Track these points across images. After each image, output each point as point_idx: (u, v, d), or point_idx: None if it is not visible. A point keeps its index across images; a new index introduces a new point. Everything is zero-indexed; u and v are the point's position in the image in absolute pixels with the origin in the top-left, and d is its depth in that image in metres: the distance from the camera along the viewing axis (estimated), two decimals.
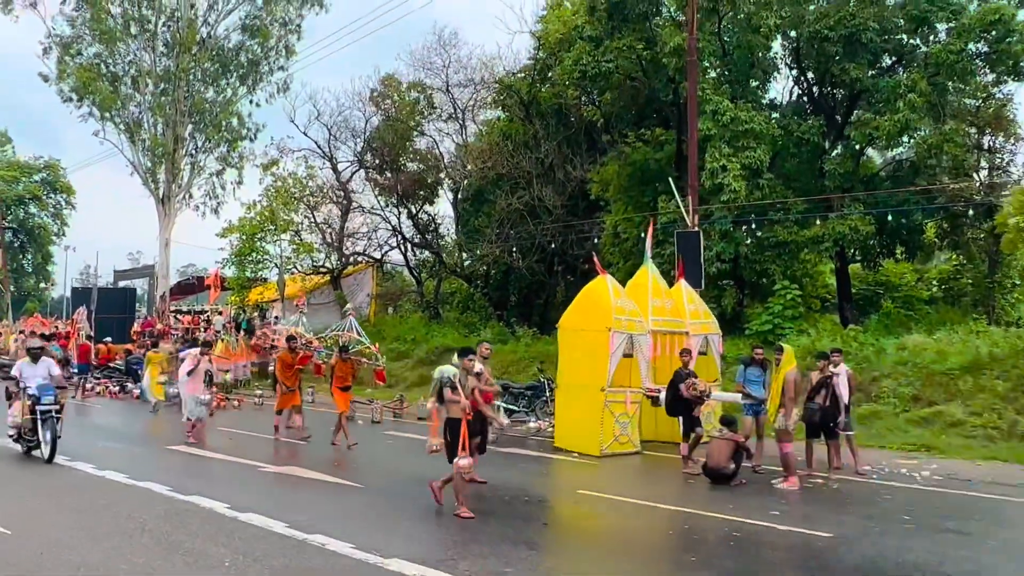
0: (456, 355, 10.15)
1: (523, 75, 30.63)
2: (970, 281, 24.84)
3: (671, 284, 16.93)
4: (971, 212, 22.78)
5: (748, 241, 22.64)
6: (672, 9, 25.23)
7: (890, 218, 22.70)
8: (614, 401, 14.55)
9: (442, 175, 34.64)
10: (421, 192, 34.91)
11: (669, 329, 15.76)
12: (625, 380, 14.97)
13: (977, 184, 21.91)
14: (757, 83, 24.76)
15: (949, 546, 8.49)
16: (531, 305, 31.92)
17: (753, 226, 21.94)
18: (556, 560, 8.03)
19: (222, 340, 27.61)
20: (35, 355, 13.09)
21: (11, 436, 13.29)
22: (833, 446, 12.79)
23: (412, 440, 16.19)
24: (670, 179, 20.99)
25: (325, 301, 35.43)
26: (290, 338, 17.79)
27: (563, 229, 27.97)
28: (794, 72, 24.92)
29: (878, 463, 13.62)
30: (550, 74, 28.74)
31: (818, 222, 22.31)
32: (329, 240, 35.98)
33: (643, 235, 23.94)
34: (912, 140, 20.94)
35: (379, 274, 38.66)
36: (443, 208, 37.58)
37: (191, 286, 45.64)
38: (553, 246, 28.15)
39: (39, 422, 12.41)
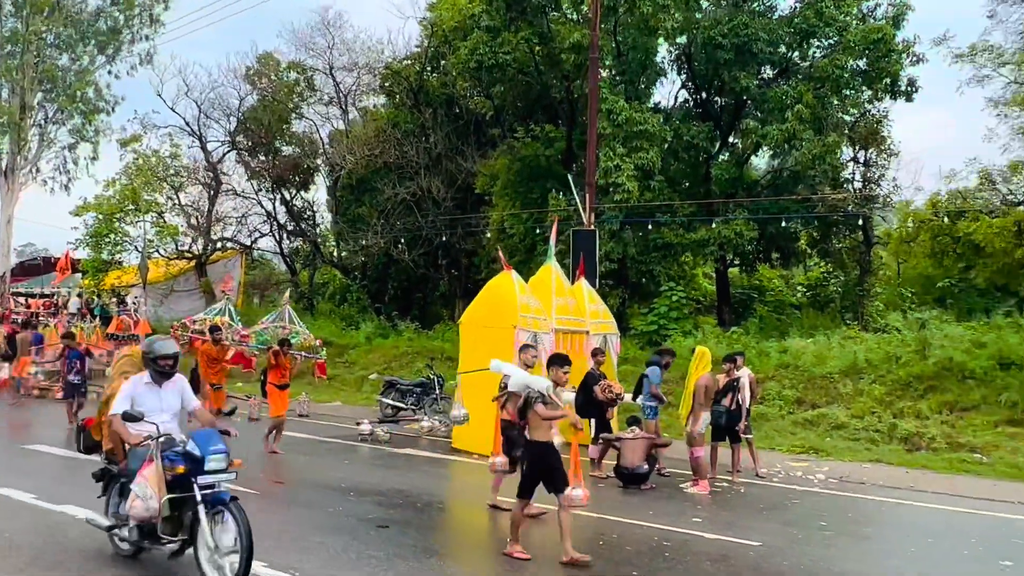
0: (546, 364, 8.66)
1: (411, 62, 29.76)
2: (838, 288, 25.91)
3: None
4: (845, 222, 23.76)
5: (636, 242, 22.76)
6: (567, 5, 25.07)
7: (770, 225, 23.33)
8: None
9: (319, 161, 33.29)
10: (296, 177, 33.48)
11: (571, 328, 15.42)
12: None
13: (851, 196, 22.77)
14: (645, 85, 24.92)
15: (876, 555, 8.47)
16: (411, 299, 31.15)
17: (647, 227, 22.01)
18: None
19: (76, 327, 25.40)
20: (163, 369, 7.06)
21: (124, 538, 7.08)
22: (736, 449, 12.78)
23: (297, 440, 15.29)
24: (568, 176, 20.72)
25: (190, 288, 33.40)
26: (214, 329, 15.90)
27: (450, 222, 27.32)
28: (683, 76, 25.23)
29: (772, 465, 13.74)
30: (441, 63, 28.03)
31: (704, 226, 22.64)
32: (196, 224, 33.92)
33: (539, 231, 23.85)
34: (796, 150, 21.49)
35: (247, 261, 36.86)
36: (319, 195, 36.24)
37: (35, 267, 42.04)
38: (443, 239, 27.42)
39: (201, 510, 6.41)
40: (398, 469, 12.46)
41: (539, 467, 7.74)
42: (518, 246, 25.11)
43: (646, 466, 11.60)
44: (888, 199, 23.73)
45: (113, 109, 37.71)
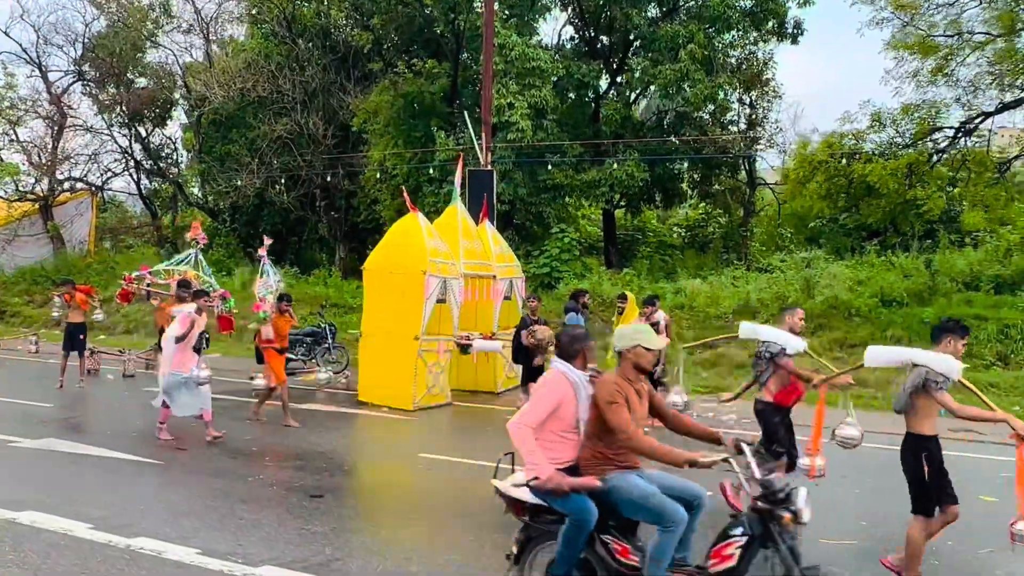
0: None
1: None
2: (718, 228, 26.42)
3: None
4: (727, 163, 24.08)
5: (526, 183, 22.26)
6: None
7: (658, 167, 23.34)
8: (428, 350, 13.40)
9: (178, 95, 30.75)
10: (153, 112, 30.85)
11: (478, 273, 14.82)
12: (436, 328, 13.86)
13: (738, 137, 23.05)
14: (532, 21, 24.19)
15: (829, 499, 8.42)
16: (286, 243, 29.52)
17: (537, 168, 21.51)
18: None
19: None
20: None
21: None
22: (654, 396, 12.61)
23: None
24: (465, 113, 19.81)
25: (35, 233, 30.41)
26: (182, 284, 13.08)
27: (329, 162, 25.87)
28: (569, 12, 24.61)
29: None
30: None
31: (594, 168, 22.37)
32: (38, 162, 30.74)
33: (424, 172, 22.89)
34: (687, 91, 21.42)
35: (99, 203, 33.96)
36: (178, 132, 33.60)
37: None
38: (326, 180, 25.97)
39: None
40: (308, 428, 11.56)
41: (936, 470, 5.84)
42: (402, 186, 24.11)
43: None
44: (772, 140, 24.20)
45: None
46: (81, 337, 15.16)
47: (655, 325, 12.35)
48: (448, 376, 14.07)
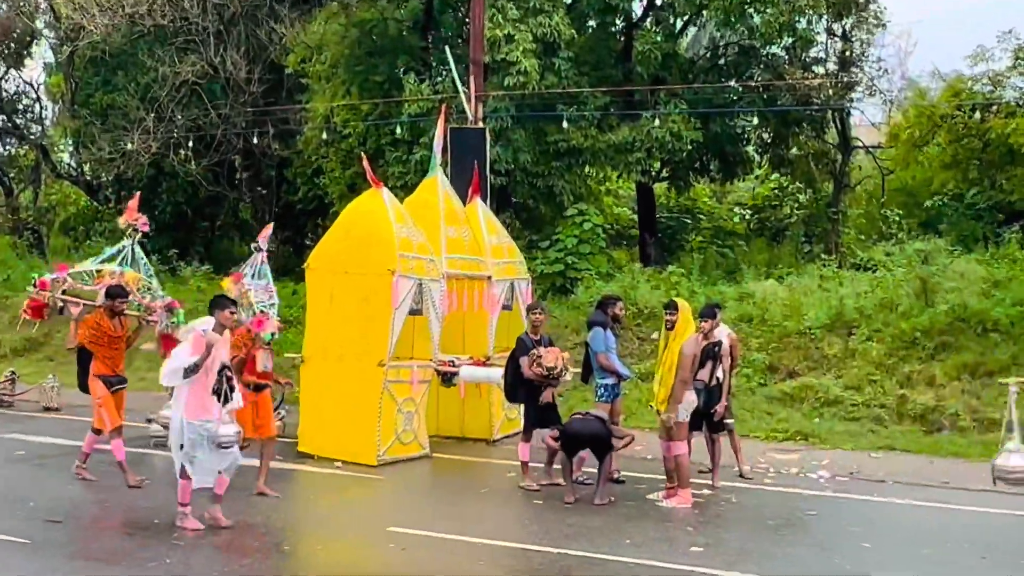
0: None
1: None
2: (799, 210, 26.46)
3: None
4: (810, 120, 24.13)
5: (530, 146, 22.26)
6: None
7: (714, 123, 23.36)
8: (396, 381, 13.39)
9: (41, 24, 30.74)
10: (7, 48, 30.87)
11: (467, 272, 14.80)
12: (407, 350, 13.85)
13: (828, 81, 23.08)
14: None
15: None
16: (193, 230, 29.56)
17: (548, 125, 21.55)
18: None
19: None
20: None
21: None
22: (716, 441, 12.63)
23: (54, 449, 14.21)
24: (446, 48, 19.81)
25: None
26: (114, 291, 12.02)
27: (255, 117, 25.84)
28: None
29: (753, 459, 13.79)
30: None
31: (625, 124, 22.37)
32: None
33: (388, 130, 22.86)
34: (753, 16, 21.47)
35: None
36: (40, 76, 33.60)
37: None
38: (249, 142, 25.94)
39: None
40: (232, 490, 11.41)
41: None
42: (355, 151, 24.11)
43: None
44: (873, 86, 24.20)
45: None
46: None
47: (716, 346, 12.37)
48: (425, 418, 14.01)
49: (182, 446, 9.69)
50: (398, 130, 22.61)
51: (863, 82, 24.24)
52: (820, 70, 24.46)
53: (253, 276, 13.09)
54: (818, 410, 16.32)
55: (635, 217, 27.96)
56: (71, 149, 31.62)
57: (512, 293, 15.79)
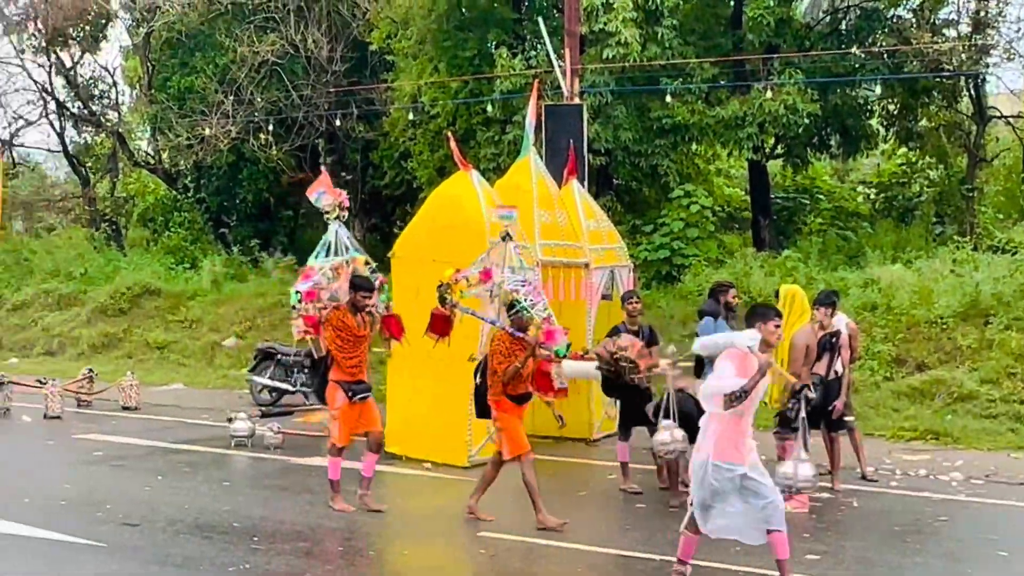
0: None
1: None
2: (929, 188, 25.91)
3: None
4: (940, 89, 23.62)
5: (631, 124, 22.19)
6: None
7: (833, 94, 23.00)
8: None
9: (117, 5, 31.55)
10: (82, 31, 31.71)
11: (564, 259, 14.80)
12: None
13: (960, 45, 22.55)
14: None
15: None
16: (272, 218, 30.08)
17: (650, 100, 21.44)
18: None
19: None
20: None
21: None
22: (835, 440, 12.47)
23: (134, 449, 14.60)
24: (540, 20, 19.81)
25: None
26: (358, 281, 11.42)
27: (338, 98, 26.17)
28: None
29: (878, 460, 13.60)
30: None
31: (736, 97, 22.17)
32: None
33: (479, 108, 22.96)
34: None
35: (6, 166, 35.12)
36: (116, 60, 34.54)
37: None
38: (333, 125, 26.32)
39: None
40: (314, 494, 11.73)
41: None
42: (445, 132, 24.31)
43: None
44: (1012, 49, 23.56)
45: None
46: None
47: (834, 336, 12.18)
48: None
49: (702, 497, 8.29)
50: (489, 108, 22.71)
51: (1000, 45, 23.60)
52: (952, 33, 23.87)
53: (512, 271, 11.62)
54: (950, 406, 15.98)
55: (747, 198, 27.67)
56: (148, 136, 32.37)
57: (612, 281, 15.77)
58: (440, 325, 11.86)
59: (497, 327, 10.82)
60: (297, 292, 11.43)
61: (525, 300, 10.65)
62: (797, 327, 11.18)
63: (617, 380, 11.94)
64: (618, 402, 12.46)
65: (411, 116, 24.69)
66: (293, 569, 8.75)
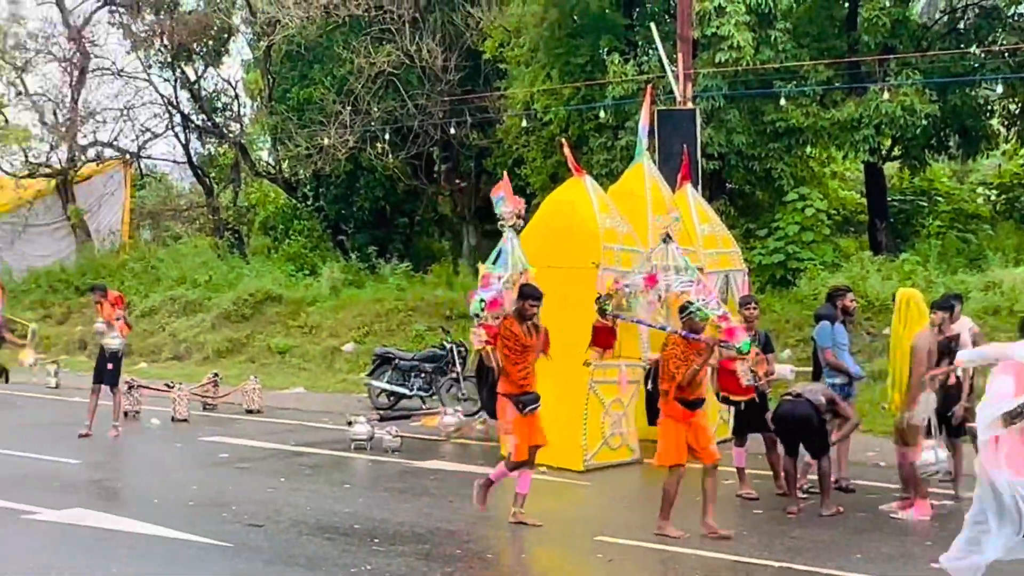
0: None
1: None
2: None
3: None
4: None
5: (744, 127, 21.95)
6: None
7: (952, 94, 22.42)
8: (603, 382, 13.39)
9: (238, 20, 32.17)
10: (205, 46, 32.39)
11: None
12: (616, 347, 13.79)
13: None
14: None
15: None
16: (389, 226, 30.35)
17: (763, 103, 21.19)
18: None
19: None
20: None
21: None
22: (958, 447, 12.12)
23: (257, 451, 14.88)
24: (652, 25, 19.71)
25: (52, 221, 32.62)
26: (526, 293, 10.84)
27: (451, 107, 26.33)
28: None
29: None
30: None
31: (851, 99, 21.77)
32: (53, 122, 32.93)
33: (591, 114, 22.91)
34: None
35: (135, 176, 36.06)
36: (238, 73, 35.24)
37: None
38: (447, 133, 26.51)
39: None
40: (432, 496, 11.83)
41: None
42: (558, 138, 24.33)
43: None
44: None
45: None
46: (110, 367, 15.90)
47: (952, 341, 11.86)
48: (631, 420, 13.97)
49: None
50: (602, 114, 22.67)
51: None
52: None
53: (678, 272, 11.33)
54: None
55: (863, 201, 27.15)
56: (269, 146, 32.94)
57: (727, 285, 15.58)
58: (603, 337, 11.82)
59: (668, 331, 10.47)
60: (481, 300, 10.96)
61: (697, 300, 10.26)
62: (915, 330, 10.91)
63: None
64: (733, 408, 12.30)
65: (524, 123, 24.76)
66: (413, 571, 8.79)
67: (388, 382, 18.45)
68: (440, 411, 16.51)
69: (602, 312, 11.49)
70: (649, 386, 10.96)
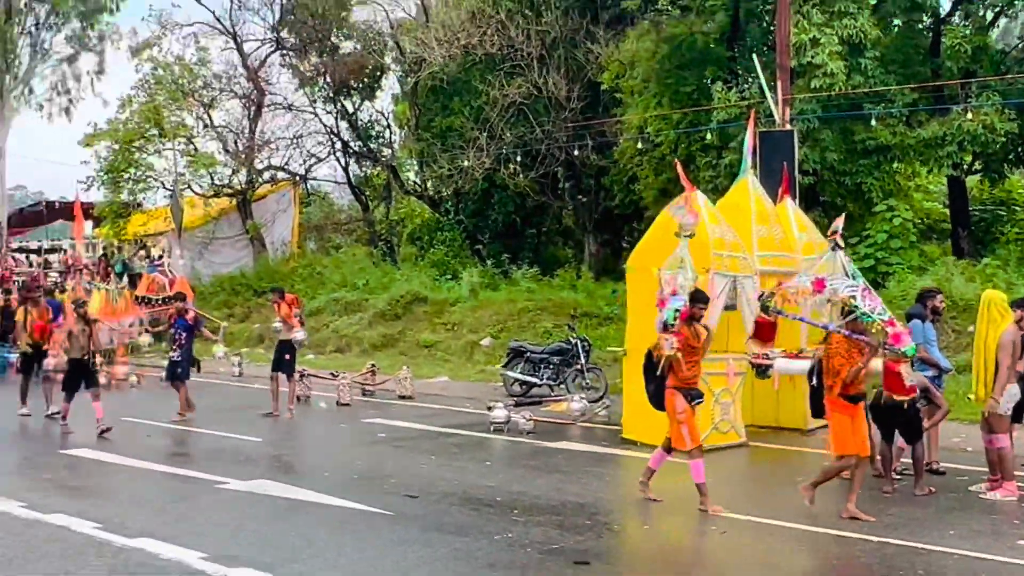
0: None
1: None
2: None
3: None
4: None
5: (837, 146, 21.38)
6: None
7: None
8: (713, 373, 13.10)
9: (389, 59, 32.60)
10: (361, 82, 32.88)
11: (778, 268, 14.31)
12: (722, 343, 13.58)
13: None
14: None
15: None
16: (519, 236, 30.37)
17: (853, 124, 20.61)
18: None
19: (99, 290, 25.59)
20: None
21: None
22: None
23: (411, 432, 14.99)
24: (753, 56, 19.34)
25: (233, 234, 33.44)
26: (696, 297, 10.60)
27: (575, 131, 26.26)
28: None
29: None
30: None
31: (935, 119, 21.06)
32: (234, 150, 33.76)
33: (697, 137, 22.61)
34: None
35: (302, 195, 36.74)
36: (386, 104, 35.66)
37: (37, 215, 42.91)
38: (571, 154, 26.46)
39: None
40: (563, 473, 11.77)
41: None
42: (667, 159, 24.07)
43: None
44: None
45: (117, 7, 37.91)
46: (287, 357, 16.38)
47: None
48: (738, 408, 13.71)
49: None
50: (707, 136, 22.33)
51: None
52: None
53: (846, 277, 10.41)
54: None
55: (946, 211, 26.27)
56: (416, 168, 33.22)
57: None
58: (765, 332, 11.63)
59: (831, 329, 9.94)
60: (676, 310, 10.39)
61: (863, 304, 9.71)
62: (1002, 327, 10.48)
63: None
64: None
65: (638, 145, 24.55)
66: (549, 539, 8.74)
67: (521, 372, 18.42)
68: (567, 398, 16.44)
69: (764, 309, 11.20)
70: (814, 382, 10.51)
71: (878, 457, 11.41)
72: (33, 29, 38.27)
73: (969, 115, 20.33)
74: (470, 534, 8.89)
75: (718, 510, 9.71)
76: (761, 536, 9.11)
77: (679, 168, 14.54)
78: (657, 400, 10.46)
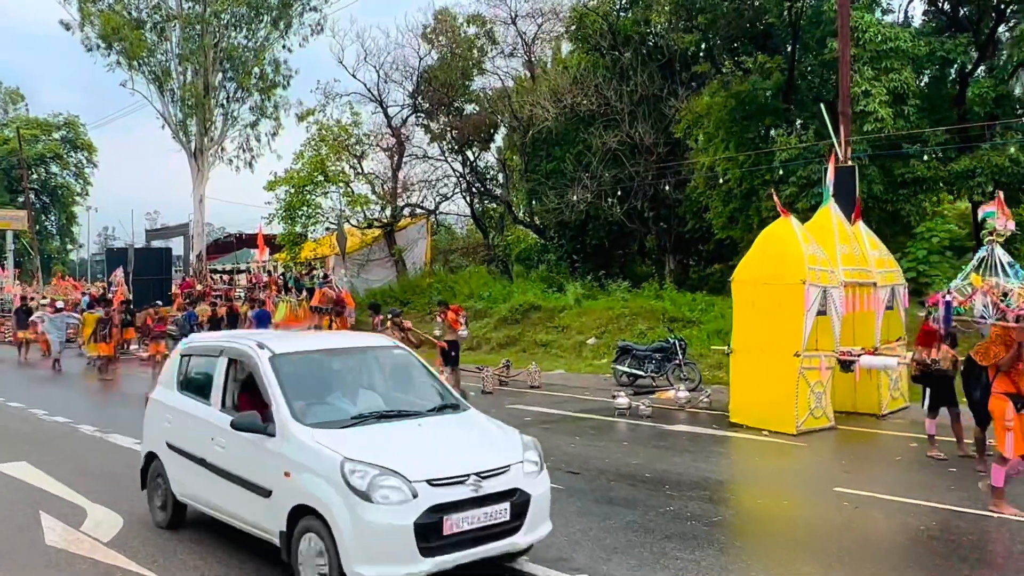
0: None
1: (598, 2, 27.84)
2: None
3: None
4: None
5: (881, 178, 20.25)
6: None
7: None
8: (809, 368, 12.24)
9: (501, 118, 32.14)
10: (480, 136, 32.49)
11: (858, 280, 13.41)
12: (813, 343, 12.66)
13: None
14: None
15: None
16: (610, 256, 29.58)
17: (894, 161, 19.47)
18: None
19: (284, 302, 25.50)
20: None
21: None
22: None
23: (550, 416, 14.24)
24: (822, 105, 18.30)
25: (382, 257, 33.28)
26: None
27: (657, 171, 25.45)
28: None
29: None
30: None
31: (964, 155, 19.79)
32: (381, 191, 33.61)
33: (758, 175, 21.63)
34: None
35: (432, 226, 36.48)
36: (493, 154, 35.24)
37: (228, 244, 43.49)
38: (655, 190, 25.68)
39: None
40: (691, 452, 10.96)
41: None
42: (733, 193, 23.12)
43: None
44: None
45: (288, 83, 38.21)
46: (453, 354, 15.91)
47: None
48: (828, 397, 12.75)
49: None
50: (773, 173, 21.36)
51: None
52: None
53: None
54: None
55: (964, 232, 24.80)
56: (525, 204, 32.71)
57: (892, 296, 14.20)
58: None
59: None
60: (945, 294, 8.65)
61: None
62: None
63: (930, 374, 10.57)
64: (927, 388, 10.94)
65: (708, 182, 23.69)
66: (705, 512, 8.00)
67: (628, 367, 17.61)
68: (674, 388, 15.61)
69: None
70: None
71: (964, 440, 10.43)
72: (224, 102, 38.70)
73: (993, 151, 19.10)
74: (638, 508, 8.18)
75: (1013, 512, 7.94)
76: (889, 510, 8.21)
77: (776, 198, 13.71)
78: (980, 407, 8.83)
